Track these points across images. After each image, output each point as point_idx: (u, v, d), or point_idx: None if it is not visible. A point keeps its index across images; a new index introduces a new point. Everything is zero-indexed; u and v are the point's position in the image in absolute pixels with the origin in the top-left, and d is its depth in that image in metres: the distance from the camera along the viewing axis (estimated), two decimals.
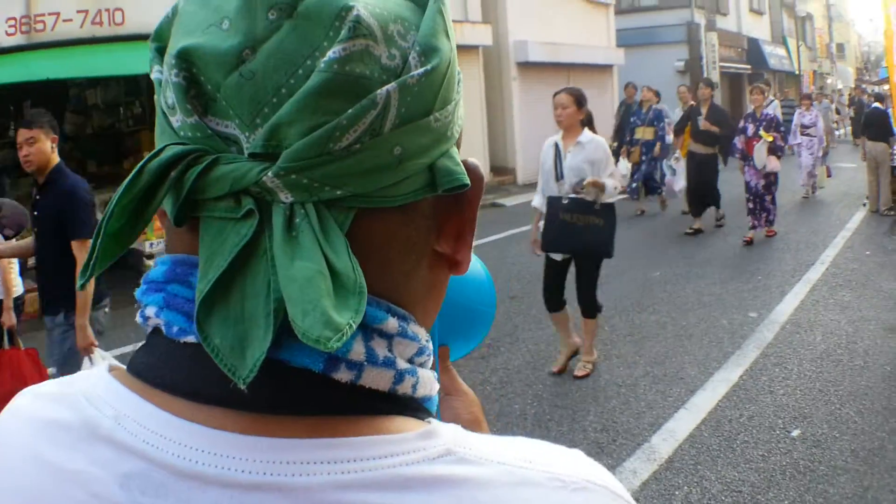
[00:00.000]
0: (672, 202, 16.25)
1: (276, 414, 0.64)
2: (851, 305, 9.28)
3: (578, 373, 7.38)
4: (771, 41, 46.25)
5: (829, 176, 16.95)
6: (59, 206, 5.64)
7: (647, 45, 33.24)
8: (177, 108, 0.65)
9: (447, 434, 0.67)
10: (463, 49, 19.06)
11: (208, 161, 0.63)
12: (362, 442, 0.64)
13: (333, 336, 0.57)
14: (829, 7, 72.69)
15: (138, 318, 0.72)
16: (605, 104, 24.39)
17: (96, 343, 5.54)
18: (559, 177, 7.18)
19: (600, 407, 6.71)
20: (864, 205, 15.14)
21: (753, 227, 13.25)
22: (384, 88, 0.63)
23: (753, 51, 41.77)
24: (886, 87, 16.86)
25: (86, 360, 5.48)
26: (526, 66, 23.65)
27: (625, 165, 15.59)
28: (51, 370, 5.90)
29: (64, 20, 11.50)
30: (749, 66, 41.46)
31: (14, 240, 6.81)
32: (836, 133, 26.47)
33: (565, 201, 7.08)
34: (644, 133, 15.90)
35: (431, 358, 0.76)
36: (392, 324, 0.68)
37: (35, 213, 5.88)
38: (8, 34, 10.93)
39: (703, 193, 14.33)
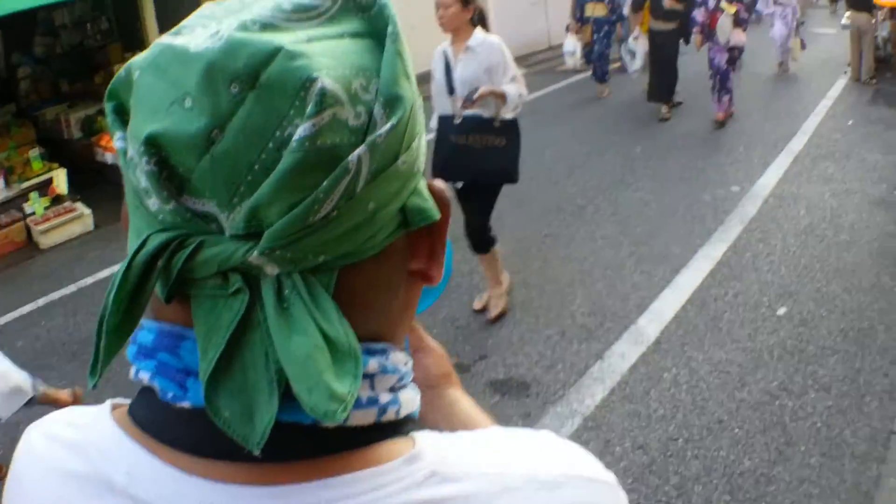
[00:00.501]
0: (621, 85, 15.03)
1: (275, 462, 0.67)
2: (835, 177, 9.21)
3: (492, 313, 6.38)
4: None
5: (803, 48, 15.92)
6: None
7: None
8: (152, 193, 0.65)
9: (430, 453, 0.71)
10: None
11: (193, 246, 0.64)
12: (354, 478, 0.67)
13: (339, 408, 0.61)
14: None
15: (132, 377, 0.73)
16: None
17: None
18: (451, 91, 6.02)
19: (587, 290, 6.72)
20: (846, 73, 14.91)
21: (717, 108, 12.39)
22: (355, 153, 0.63)
23: None
24: None
25: None
26: None
27: (571, 43, 14.93)
28: None
29: None
30: None
31: None
32: None
33: (457, 120, 5.96)
34: (595, 9, 14.58)
35: (411, 373, 0.78)
36: (373, 365, 0.71)
37: None
38: None
39: (663, 77, 12.91)
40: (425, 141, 0.76)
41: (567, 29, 15.22)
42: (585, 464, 0.78)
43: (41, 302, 7.70)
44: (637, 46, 13.94)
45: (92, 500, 0.71)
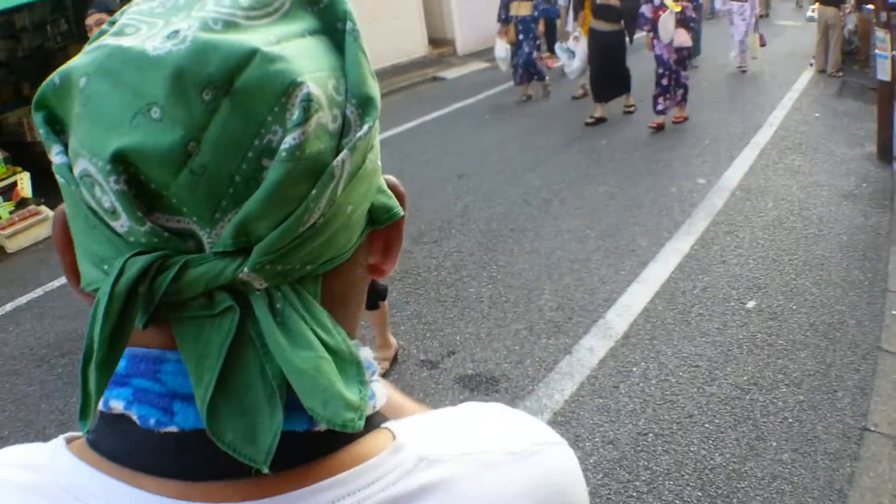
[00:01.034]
0: (560, 86, 14.46)
1: (273, 473, 0.64)
2: (802, 170, 9.24)
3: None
4: None
5: (762, 45, 15.46)
6: None
7: None
8: (121, 214, 0.60)
9: (411, 441, 0.72)
10: None
11: (178, 267, 0.60)
12: (350, 476, 0.68)
13: (355, 416, 0.62)
14: None
15: (101, 407, 0.68)
16: None
17: None
18: None
19: (554, 284, 6.68)
20: (811, 65, 15.00)
21: (664, 111, 11.53)
22: (339, 158, 0.62)
23: None
24: None
25: None
26: None
27: (501, 47, 13.96)
28: None
29: None
30: None
31: None
32: None
33: None
34: (519, 8, 13.62)
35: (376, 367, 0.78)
36: None
37: None
38: None
39: (611, 78, 12.20)
40: (378, 137, 0.75)
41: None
42: (542, 430, 0.82)
43: (8, 307, 7.49)
44: (577, 47, 13.02)
45: None
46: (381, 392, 0.74)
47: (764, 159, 9.75)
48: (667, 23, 11.11)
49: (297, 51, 0.63)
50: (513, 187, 9.14)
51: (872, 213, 7.81)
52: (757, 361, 5.30)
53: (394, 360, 5.64)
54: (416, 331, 6.08)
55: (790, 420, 4.67)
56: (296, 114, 0.59)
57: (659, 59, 11.53)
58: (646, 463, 4.40)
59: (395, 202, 0.74)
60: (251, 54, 0.59)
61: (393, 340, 5.73)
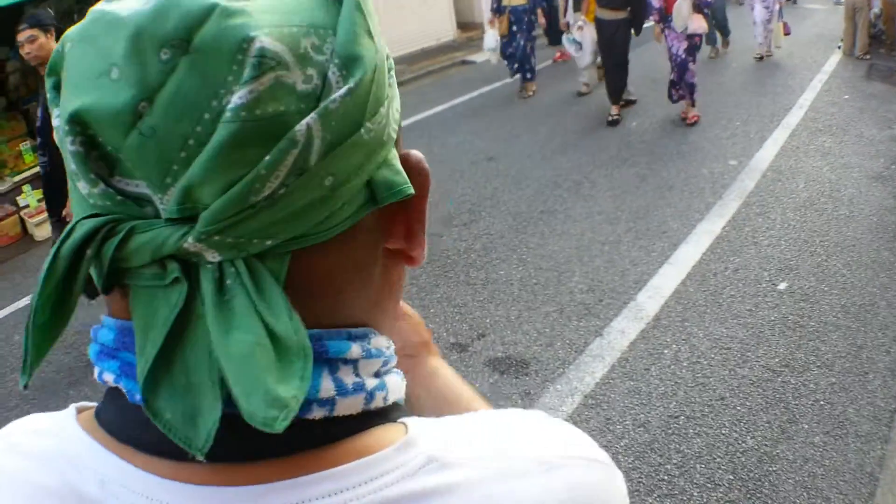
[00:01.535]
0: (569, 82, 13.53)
1: (259, 460, 0.62)
2: (833, 151, 9.16)
3: None
4: None
5: (786, 33, 14.49)
6: None
7: None
8: (80, 176, 0.60)
9: (424, 439, 0.67)
10: None
11: (123, 232, 0.59)
12: (343, 471, 0.63)
13: (280, 414, 0.55)
14: None
15: (97, 378, 0.68)
16: None
17: None
18: None
19: (585, 267, 6.67)
20: (839, 48, 14.84)
21: (681, 98, 10.92)
22: (303, 122, 0.57)
23: None
24: None
25: None
26: None
27: (491, 38, 12.98)
28: None
29: None
30: None
31: None
32: None
33: None
34: None
35: (395, 357, 0.74)
36: (355, 350, 0.67)
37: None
38: None
39: (614, 73, 11.32)
40: (398, 106, 0.71)
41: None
42: (581, 443, 0.74)
43: None
44: (584, 36, 12.07)
45: None
46: (397, 384, 0.72)
47: (795, 141, 9.67)
48: (681, 9, 10.29)
49: (266, 5, 0.60)
50: (542, 170, 9.12)
51: None
52: (788, 343, 5.28)
53: None
54: (445, 314, 6.10)
55: (821, 402, 4.66)
56: (247, 70, 0.56)
57: (671, 53, 10.77)
58: (677, 446, 4.40)
59: (401, 178, 0.67)
60: (210, 9, 0.57)
61: None
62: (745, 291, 6.02)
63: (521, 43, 12.81)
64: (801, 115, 10.73)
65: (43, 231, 9.42)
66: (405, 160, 0.71)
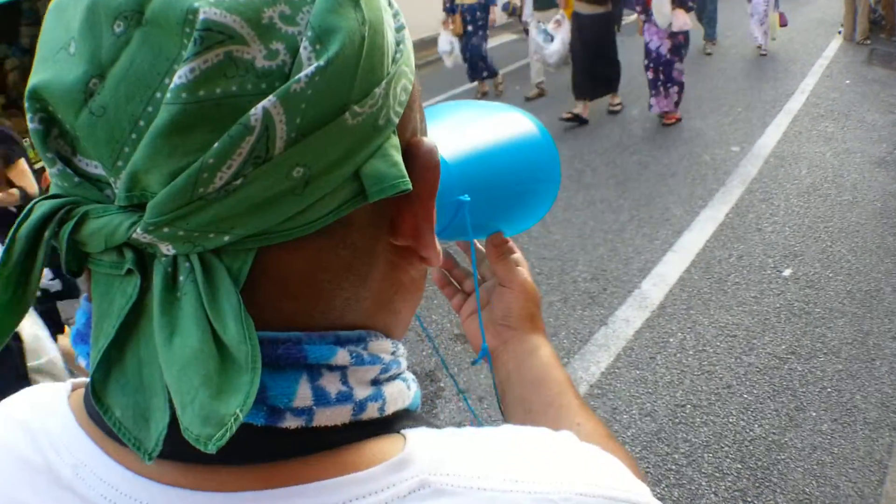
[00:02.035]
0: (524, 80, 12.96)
1: (227, 465, 0.58)
2: (835, 137, 9.15)
3: None
4: None
5: (783, 24, 13.92)
6: None
7: None
8: (40, 155, 0.57)
9: (422, 458, 0.61)
10: None
11: (78, 217, 0.55)
12: (320, 487, 0.58)
13: (216, 433, 0.50)
14: None
15: (82, 363, 0.64)
16: None
17: None
18: None
19: (588, 255, 6.64)
20: (840, 33, 14.79)
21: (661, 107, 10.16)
22: (259, 106, 0.50)
23: None
24: None
25: None
26: None
27: (445, 39, 12.25)
28: None
29: None
30: None
31: None
32: None
33: None
34: None
35: (403, 363, 0.70)
36: (343, 356, 0.61)
37: None
38: None
39: (596, 72, 10.61)
40: (407, 85, 0.63)
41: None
42: (610, 479, 0.65)
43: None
44: (558, 33, 11.17)
45: (40, 494, 0.64)
46: (400, 393, 0.67)
47: (797, 126, 9.65)
48: (661, 4, 9.58)
49: None
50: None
51: None
52: (794, 330, 5.26)
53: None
54: (449, 304, 6.00)
55: (829, 389, 4.64)
56: (189, 45, 0.50)
57: (647, 50, 10.09)
58: (684, 435, 4.38)
59: (396, 171, 0.60)
60: None
61: None
62: (750, 278, 6.01)
63: (476, 42, 12.20)
64: (802, 101, 10.71)
65: None
66: (414, 149, 0.65)
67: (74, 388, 0.70)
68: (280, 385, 0.57)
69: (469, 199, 1.08)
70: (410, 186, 0.60)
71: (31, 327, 4.13)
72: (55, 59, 0.55)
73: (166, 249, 0.54)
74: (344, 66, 0.54)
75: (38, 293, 0.64)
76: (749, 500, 3.89)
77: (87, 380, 0.67)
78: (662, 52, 9.83)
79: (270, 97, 0.51)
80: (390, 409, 0.65)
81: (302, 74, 0.52)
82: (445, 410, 4.74)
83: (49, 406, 0.69)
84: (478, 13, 12.03)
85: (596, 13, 10.40)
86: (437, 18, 12.65)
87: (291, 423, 0.57)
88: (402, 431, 0.64)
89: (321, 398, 0.59)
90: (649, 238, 6.86)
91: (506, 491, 0.59)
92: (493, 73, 12.65)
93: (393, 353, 0.68)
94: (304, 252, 0.59)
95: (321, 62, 0.52)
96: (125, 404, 0.56)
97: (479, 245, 1.28)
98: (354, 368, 0.62)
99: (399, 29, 0.63)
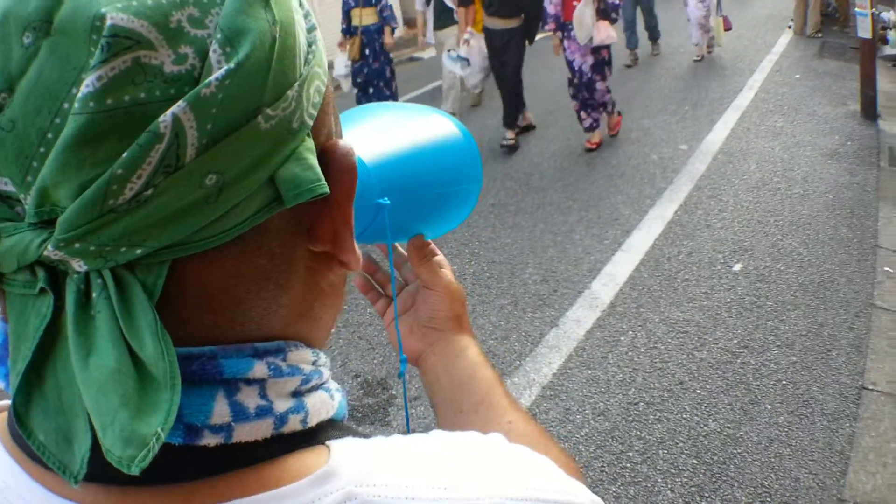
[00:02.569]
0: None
1: (150, 485, 0.55)
2: (785, 131, 9.19)
3: None
4: None
5: (727, 28, 13.23)
6: None
7: None
8: None
9: (348, 469, 0.59)
10: None
11: None
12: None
13: (138, 454, 0.49)
14: None
15: (1, 385, 0.62)
16: None
17: None
18: None
19: (538, 258, 6.60)
20: (790, 27, 14.92)
21: (591, 128, 9.25)
22: (168, 112, 0.49)
23: None
24: None
25: None
26: None
27: (341, 63, 11.04)
28: None
29: None
30: None
31: None
32: None
33: None
34: (363, 16, 10.70)
35: (325, 372, 0.68)
36: (260, 368, 0.59)
37: None
38: None
39: (509, 91, 9.85)
40: (320, 86, 0.61)
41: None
42: (542, 481, 0.65)
43: None
44: (471, 51, 10.24)
45: None
46: (323, 404, 0.65)
47: (745, 122, 9.70)
48: (583, 16, 8.62)
49: None
50: (492, 163, 9.04)
51: (858, 171, 7.75)
52: (746, 324, 5.23)
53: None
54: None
55: (784, 382, 4.60)
56: (96, 53, 0.48)
57: (570, 66, 9.25)
58: (638, 433, 4.31)
59: (313, 175, 0.58)
60: None
61: None
62: (700, 275, 5.99)
63: (376, 67, 10.91)
64: (751, 97, 10.79)
65: None
66: (329, 152, 0.63)
67: (3, 410, 0.67)
68: (196, 402, 0.56)
69: (388, 202, 1.07)
70: (328, 190, 0.59)
71: None
72: None
73: (78, 266, 0.52)
74: (255, 69, 0.53)
75: None
76: (706, 495, 3.83)
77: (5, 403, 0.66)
78: (584, 70, 9.06)
79: (180, 103, 0.49)
80: (313, 421, 0.63)
81: (212, 78, 0.50)
82: (398, 418, 4.66)
83: None
84: (375, 35, 10.89)
85: (508, 28, 9.56)
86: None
87: (210, 440, 0.56)
88: (328, 443, 0.62)
89: (239, 413, 0.57)
90: (598, 238, 6.83)
91: (435, 500, 0.59)
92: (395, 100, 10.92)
93: (314, 363, 0.66)
94: (221, 262, 0.57)
95: (231, 65, 0.51)
96: (48, 427, 0.54)
97: (400, 248, 1.27)
98: (273, 381, 0.60)
99: (311, 29, 0.62)
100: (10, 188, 0.53)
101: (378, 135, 1.17)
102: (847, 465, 3.92)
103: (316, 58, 0.61)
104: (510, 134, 9.77)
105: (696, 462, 4.03)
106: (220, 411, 0.56)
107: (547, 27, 9.31)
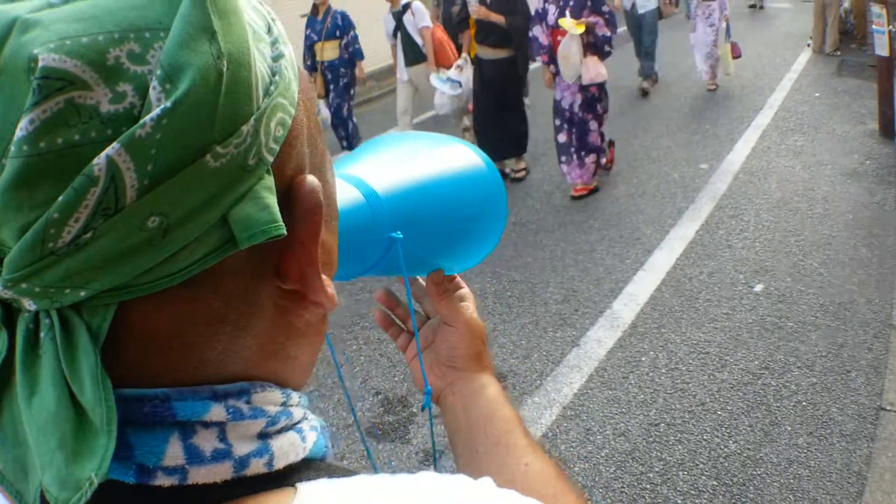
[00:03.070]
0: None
1: None
2: (805, 150, 9.19)
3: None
4: None
5: (736, 56, 12.40)
6: None
7: None
8: None
9: None
10: None
11: None
12: None
13: (73, 496, 0.49)
14: None
15: None
16: None
17: None
18: None
19: (559, 277, 6.62)
20: (808, 45, 14.90)
21: (577, 178, 8.33)
22: (102, 155, 0.47)
23: None
24: None
25: None
26: None
27: (322, 106, 10.28)
28: None
29: None
30: None
31: None
32: None
33: None
34: (324, 51, 10.14)
35: (296, 412, 0.65)
36: (218, 411, 0.58)
37: None
38: None
39: (499, 127, 9.00)
40: (285, 119, 0.58)
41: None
42: None
43: None
44: (463, 77, 9.53)
45: None
46: (292, 445, 0.63)
47: (766, 141, 9.69)
48: (568, 51, 7.80)
49: (74, 12, 0.50)
50: (513, 182, 9.05)
51: (877, 190, 7.75)
52: (767, 345, 5.24)
53: None
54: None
55: (804, 403, 4.62)
56: (29, 96, 0.47)
57: (556, 107, 8.43)
58: (658, 454, 4.33)
59: (268, 216, 0.56)
60: (11, 24, 0.50)
61: None
62: (721, 295, 5.99)
63: (337, 103, 10.33)
64: (771, 115, 10.79)
65: None
66: (295, 189, 0.61)
67: None
68: (148, 444, 0.55)
69: (402, 236, 1.05)
70: (284, 231, 0.56)
71: None
72: None
73: (28, 305, 0.52)
74: (197, 105, 0.50)
75: None
76: None
77: None
78: (574, 110, 8.25)
79: (114, 144, 0.48)
80: (280, 463, 0.61)
81: (147, 118, 0.49)
82: (418, 436, 4.69)
83: None
84: (339, 69, 10.29)
85: (497, 58, 8.97)
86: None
87: (163, 481, 0.55)
88: (297, 485, 0.60)
89: (194, 456, 0.56)
90: (620, 258, 6.84)
91: None
92: (351, 145, 10.57)
93: (283, 405, 0.64)
94: (170, 305, 0.56)
95: (168, 103, 0.49)
96: (5, 457, 0.55)
97: (421, 281, 1.25)
98: (233, 424, 0.59)
99: (276, 58, 0.59)
100: None
101: (395, 165, 1.14)
102: (864, 486, 3.94)
103: (279, 88, 0.58)
104: (521, 165, 9.34)
105: (715, 484, 4.05)
106: (174, 453, 0.56)
107: (539, 58, 8.46)
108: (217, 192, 0.52)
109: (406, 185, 1.11)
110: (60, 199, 0.47)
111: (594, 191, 8.40)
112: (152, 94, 0.49)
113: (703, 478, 4.11)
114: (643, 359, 5.27)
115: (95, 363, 0.51)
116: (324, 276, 0.64)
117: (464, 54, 9.70)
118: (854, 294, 5.78)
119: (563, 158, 8.30)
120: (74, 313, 0.52)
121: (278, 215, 0.56)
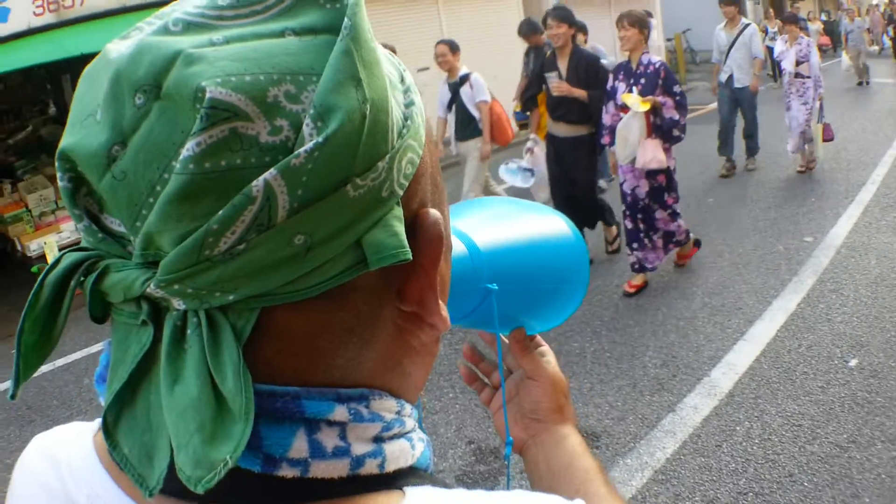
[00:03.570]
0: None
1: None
2: None
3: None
4: None
5: (827, 139, 11.76)
6: None
7: None
8: (69, 211, 0.62)
9: None
10: None
11: (100, 269, 0.60)
12: None
13: (206, 475, 0.54)
14: None
15: (102, 401, 0.67)
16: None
17: None
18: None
19: (659, 342, 6.73)
20: None
21: (640, 268, 7.85)
22: (261, 179, 0.53)
23: None
24: None
25: None
26: None
27: None
28: None
29: None
30: None
31: None
32: (871, 50, 23.48)
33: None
34: None
35: (409, 422, 0.71)
36: (341, 412, 0.63)
37: None
38: (36, 14, 10.72)
39: (575, 206, 8.36)
40: (414, 158, 0.65)
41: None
42: None
43: None
44: (536, 161, 9.08)
45: None
46: (403, 452, 0.68)
47: (867, 217, 9.70)
48: (627, 131, 7.26)
49: (235, 52, 0.56)
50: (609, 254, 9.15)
51: None
52: (856, 419, 5.31)
53: None
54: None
55: (884, 476, 4.70)
56: (197, 122, 0.53)
57: (622, 193, 7.83)
58: None
59: (397, 242, 0.61)
60: (174, 56, 0.55)
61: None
62: (818, 368, 6.04)
63: None
64: (873, 191, 10.77)
65: None
66: (419, 220, 0.67)
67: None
68: (276, 435, 0.60)
69: (497, 287, 1.09)
70: (410, 256, 0.62)
71: None
72: (83, 125, 0.59)
73: (177, 304, 0.57)
74: (344, 142, 0.56)
75: None
76: None
77: None
78: (640, 196, 7.66)
79: (272, 170, 0.53)
80: (391, 467, 0.66)
81: (301, 150, 0.54)
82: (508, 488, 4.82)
83: (75, 441, 0.74)
84: None
85: (576, 135, 8.31)
86: None
87: (287, 472, 0.60)
88: (405, 489, 0.65)
89: (317, 451, 0.61)
90: (721, 326, 6.92)
91: None
92: None
93: (398, 413, 0.69)
94: (307, 314, 0.61)
95: (320, 139, 0.54)
96: (133, 443, 0.60)
97: (504, 338, 1.28)
98: (353, 425, 0.64)
99: (408, 105, 0.65)
100: (123, 229, 0.58)
101: (493, 223, 1.18)
102: None
103: (410, 131, 0.64)
104: (614, 238, 9.02)
105: None
106: (299, 447, 0.60)
107: (602, 140, 7.91)
108: (354, 218, 0.58)
109: (503, 242, 1.15)
110: (220, 212, 0.53)
111: (644, 287, 7.95)
112: (305, 129, 0.55)
113: None
114: (738, 428, 5.33)
115: (238, 358, 0.56)
116: (439, 301, 0.69)
117: (532, 135, 9.26)
118: None
119: (635, 245, 7.80)
120: (221, 314, 0.57)
121: (405, 242, 0.62)
